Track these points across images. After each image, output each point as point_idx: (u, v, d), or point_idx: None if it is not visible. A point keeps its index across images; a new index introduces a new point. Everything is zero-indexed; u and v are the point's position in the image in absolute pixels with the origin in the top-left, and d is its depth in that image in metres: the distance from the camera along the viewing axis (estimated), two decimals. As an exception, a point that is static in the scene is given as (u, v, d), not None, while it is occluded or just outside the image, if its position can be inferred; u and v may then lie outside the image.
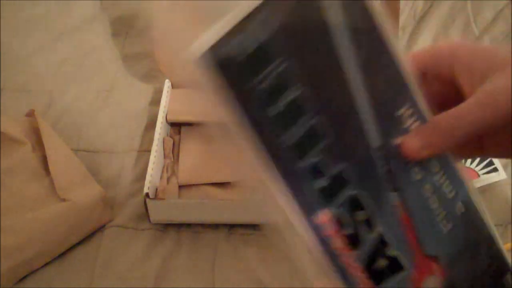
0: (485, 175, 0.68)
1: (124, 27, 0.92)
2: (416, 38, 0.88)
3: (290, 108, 0.26)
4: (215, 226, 0.67)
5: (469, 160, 0.70)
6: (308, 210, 0.27)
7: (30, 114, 0.72)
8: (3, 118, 0.70)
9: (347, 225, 0.28)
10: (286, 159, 0.27)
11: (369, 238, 0.29)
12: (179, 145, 0.73)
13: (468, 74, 0.27)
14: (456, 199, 0.31)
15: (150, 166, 0.66)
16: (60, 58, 0.87)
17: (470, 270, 0.32)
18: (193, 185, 0.69)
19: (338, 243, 0.28)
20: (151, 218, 0.65)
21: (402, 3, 0.87)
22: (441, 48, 0.28)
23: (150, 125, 0.77)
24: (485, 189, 0.69)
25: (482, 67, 0.26)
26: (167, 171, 0.70)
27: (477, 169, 0.68)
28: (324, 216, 0.27)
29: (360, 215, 0.28)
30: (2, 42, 0.88)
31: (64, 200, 0.64)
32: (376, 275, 0.29)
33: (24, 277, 0.61)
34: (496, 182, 0.69)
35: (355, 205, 0.28)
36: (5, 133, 0.68)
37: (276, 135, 0.26)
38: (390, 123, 0.28)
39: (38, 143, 0.69)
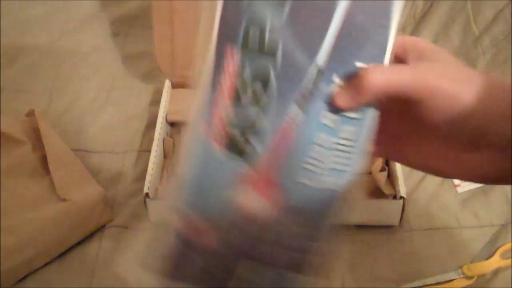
0: (485, 175, 0.68)
1: (124, 27, 0.92)
2: (416, 38, 0.88)
3: None
4: (215, 226, 0.67)
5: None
6: (227, 40, 0.29)
7: (30, 114, 0.72)
8: (3, 118, 0.70)
9: (241, 81, 0.29)
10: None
11: (246, 109, 0.30)
12: (179, 145, 0.73)
13: (418, 61, 0.31)
14: (341, 176, 0.31)
15: (150, 166, 0.66)
16: (60, 58, 0.87)
17: (290, 230, 0.32)
18: (193, 185, 0.69)
19: (224, 84, 0.29)
20: (151, 218, 0.65)
21: (402, 3, 0.87)
22: (408, 39, 0.32)
23: (150, 125, 0.77)
24: (485, 189, 0.69)
25: (429, 57, 0.31)
26: (167, 171, 0.70)
27: (477, 169, 0.68)
28: (233, 53, 0.29)
29: (257, 87, 0.29)
30: (2, 42, 0.88)
31: (64, 200, 0.64)
32: (230, 141, 0.30)
33: (24, 277, 0.61)
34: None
35: (263, 78, 0.29)
36: (5, 133, 0.68)
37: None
38: (345, 64, 0.29)
39: (38, 143, 0.69)
